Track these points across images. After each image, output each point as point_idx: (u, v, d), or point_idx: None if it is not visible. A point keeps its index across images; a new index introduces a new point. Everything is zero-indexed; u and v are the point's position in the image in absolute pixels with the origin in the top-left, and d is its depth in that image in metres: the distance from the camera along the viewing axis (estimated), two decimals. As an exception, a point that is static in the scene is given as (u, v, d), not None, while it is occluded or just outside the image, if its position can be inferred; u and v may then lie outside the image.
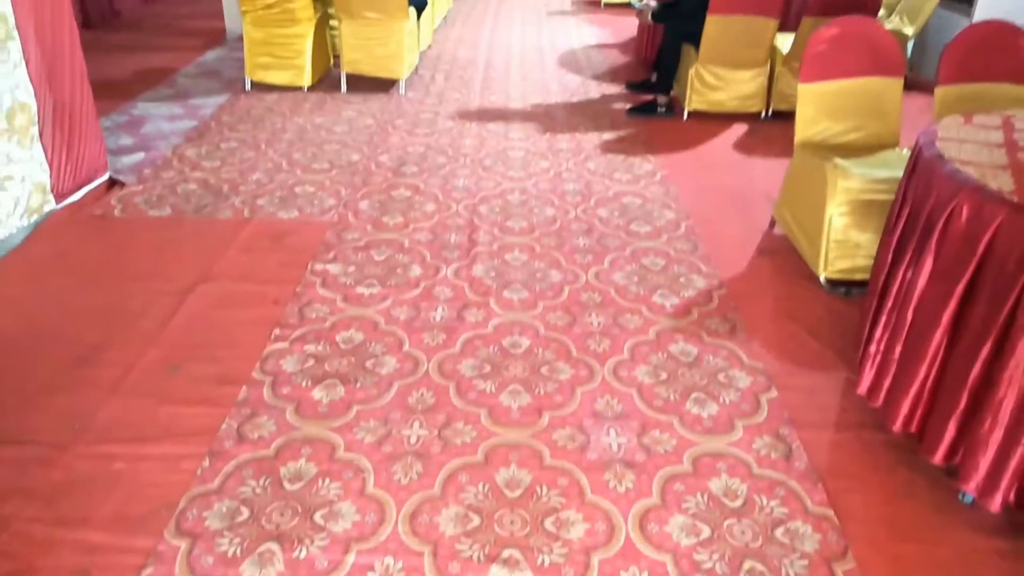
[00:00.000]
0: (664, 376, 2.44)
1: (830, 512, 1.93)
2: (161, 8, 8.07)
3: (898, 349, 2.04)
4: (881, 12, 5.08)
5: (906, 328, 2.02)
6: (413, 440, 2.14)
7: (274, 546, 1.80)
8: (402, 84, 5.38)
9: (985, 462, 1.80)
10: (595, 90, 5.65)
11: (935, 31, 5.66)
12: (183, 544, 1.80)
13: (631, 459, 2.08)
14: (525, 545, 1.82)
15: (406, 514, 1.89)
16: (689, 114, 4.91)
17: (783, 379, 2.44)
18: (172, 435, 2.14)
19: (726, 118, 4.88)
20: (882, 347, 2.12)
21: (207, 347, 2.53)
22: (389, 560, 1.77)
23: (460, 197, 3.73)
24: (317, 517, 1.88)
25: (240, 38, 5.38)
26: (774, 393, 2.37)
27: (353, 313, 2.74)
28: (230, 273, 2.98)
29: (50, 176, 3.33)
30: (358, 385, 2.36)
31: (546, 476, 2.02)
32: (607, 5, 8.97)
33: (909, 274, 2.03)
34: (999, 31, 2.98)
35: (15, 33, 3.07)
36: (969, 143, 2.16)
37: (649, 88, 5.27)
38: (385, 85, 5.40)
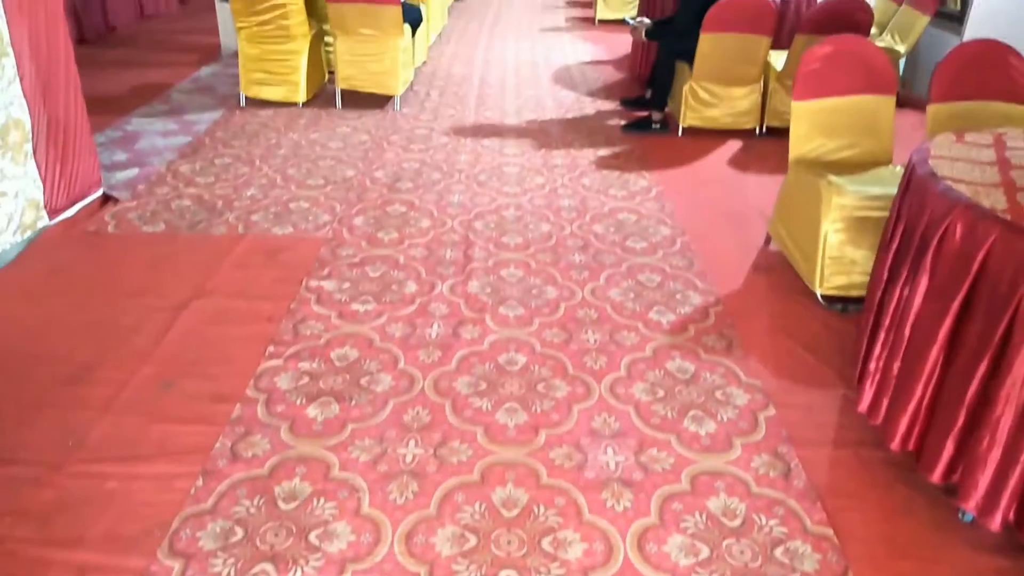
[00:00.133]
0: (661, 393, 2.43)
1: (829, 531, 1.92)
2: (156, 24, 8.09)
3: (896, 367, 2.04)
4: (873, 30, 5.13)
5: (904, 346, 2.02)
6: (409, 459, 2.12)
7: (268, 567, 1.78)
8: (397, 100, 5.39)
9: (984, 480, 1.79)
10: (590, 106, 5.67)
11: (926, 49, 5.71)
12: (176, 565, 1.78)
13: (629, 478, 2.07)
14: (522, 566, 1.80)
15: (402, 534, 1.87)
16: (684, 130, 4.93)
17: (781, 396, 2.43)
18: (165, 453, 2.12)
19: (721, 134, 4.90)
20: (881, 365, 2.12)
21: (201, 364, 2.51)
22: (385, 581, 1.75)
23: (455, 213, 3.73)
24: (312, 537, 1.86)
25: (235, 54, 5.39)
26: (772, 410, 2.36)
27: (348, 330, 2.73)
28: (224, 289, 2.97)
29: (43, 192, 3.32)
30: (353, 403, 2.34)
31: (543, 495, 2.01)
32: (601, 22, 9.02)
33: (906, 292, 2.03)
34: (990, 50, 3.01)
35: (9, 50, 3.06)
36: (961, 161, 2.17)
37: (644, 104, 5.30)
38: (380, 101, 5.41)
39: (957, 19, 5.50)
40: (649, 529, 1.91)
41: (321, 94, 5.56)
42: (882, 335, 2.14)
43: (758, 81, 4.83)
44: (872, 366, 2.15)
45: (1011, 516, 1.79)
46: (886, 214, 2.36)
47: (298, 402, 2.34)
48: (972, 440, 1.81)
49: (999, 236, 1.75)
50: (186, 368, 2.49)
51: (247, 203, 3.75)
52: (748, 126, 4.92)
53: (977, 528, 1.89)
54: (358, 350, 2.61)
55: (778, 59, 4.95)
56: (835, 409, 2.40)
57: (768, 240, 3.44)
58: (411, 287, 3.03)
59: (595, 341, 2.71)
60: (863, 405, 2.18)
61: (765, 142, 4.86)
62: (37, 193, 3.29)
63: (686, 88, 4.80)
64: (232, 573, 1.76)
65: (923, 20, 5.36)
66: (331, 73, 5.60)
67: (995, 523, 1.80)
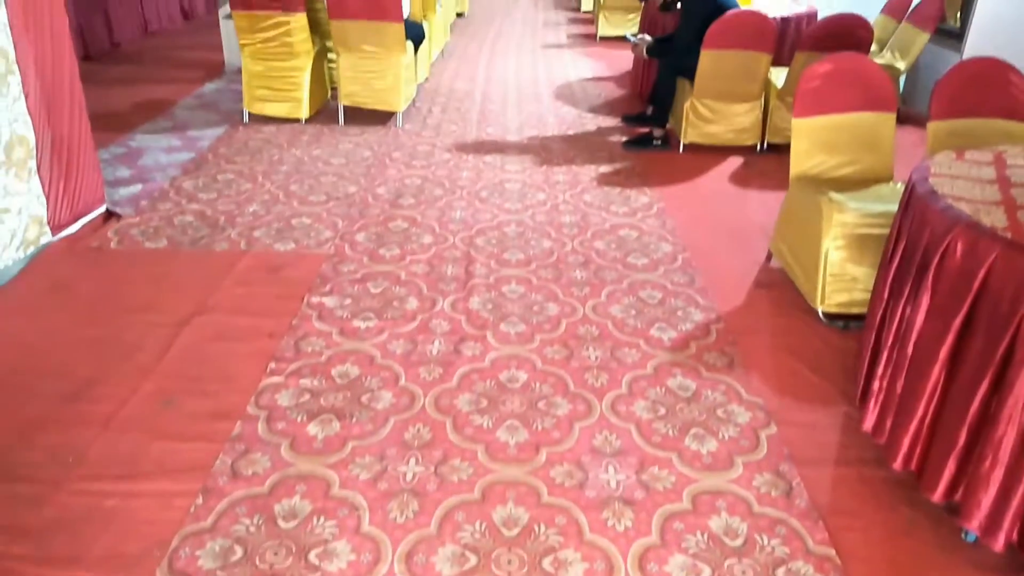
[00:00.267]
0: (663, 411, 2.42)
1: (832, 552, 1.90)
2: (161, 41, 8.15)
3: (900, 385, 2.04)
4: (873, 47, 5.15)
5: (907, 364, 2.01)
6: (409, 477, 2.11)
7: (267, 587, 1.77)
8: (399, 116, 5.42)
9: (987, 500, 1.78)
10: (591, 123, 5.70)
11: (927, 66, 5.74)
12: (175, 585, 1.77)
13: (630, 497, 2.06)
14: (523, 585, 1.79)
15: (402, 553, 1.86)
16: (685, 147, 4.95)
17: (782, 414, 2.43)
18: (165, 471, 2.12)
19: (722, 151, 4.92)
20: (885, 384, 2.11)
21: (202, 381, 2.51)
22: (385, 601, 1.74)
23: (457, 229, 3.74)
24: (312, 556, 1.85)
25: (239, 70, 5.42)
26: (773, 429, 2.35)
27: (349, 347, 2.73)
28: (226, 306, 2.97)
29: (47, 209, 3.34)
30: (354, 420, 2.34)
31: (544, 514, 2.00)
32: (602, 38, 9.07)
33: (908, 310, 2.03)
34: (989, 67, 3.02)
35: (15, 67, 3.09)
36: (962, 179, 2.17)
37: (645, 121, 5.32)
38: (383, 117, 5.44)
39: (957, 36, 5.53)
40: (650, 549, 1.90)
41: (324, 110, 5.59)
42: (885, 353, 2.13)
43: (759, 98, 4.85)
44: (876, 385, 2.15)
45: (1015, 536, 1.78)
46: (887, 231, 2.36)
47: (299, 419, 2.34)
48: (974, 459, 1.81)
49: (1000, 254, 1.75)
50: (187, 385, 2.49)
51: (249, 219, 3.77)
52: (749, 142, 4.94)
53: (980, 548, 1.88)
54: (359, 367, 2.61)
55: (779, 76, 4.97)
56: (837, 427, 2.39)
57: (769, 257, 3.45)
58: (412, 303, 3.03)
59: (596, 358, 2.70)
60: (868, 424, 2.17)
61: (766, 158, 4.88)
62: (40, 209, 3.31)
63: (687, 105, 4.82)
64: (231, 593, 1.75)
65: (923, 37, 5.39)
66: (334, 89, 5.63)
67: (998, 543, 1.79)
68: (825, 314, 2.95)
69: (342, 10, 4.95)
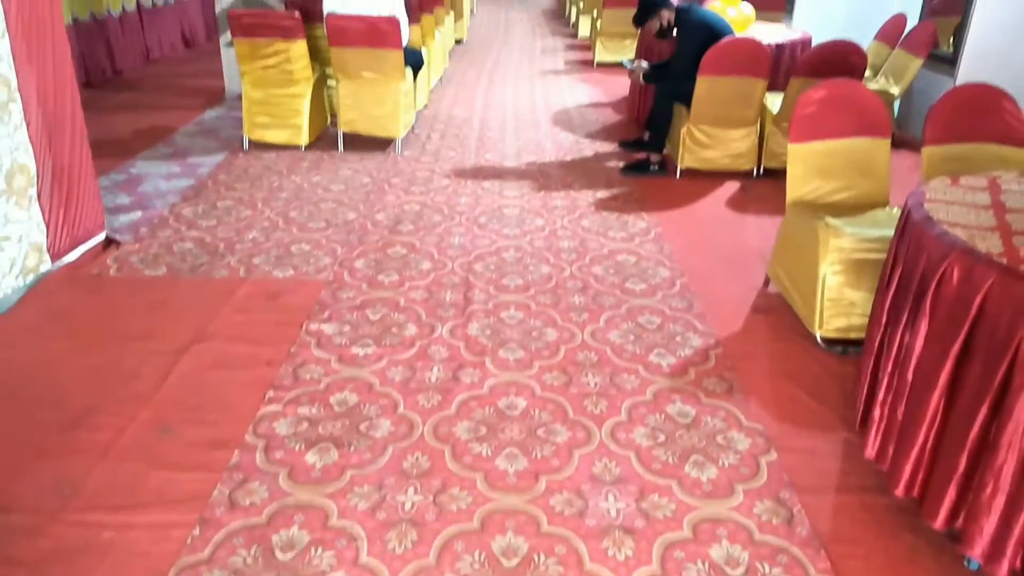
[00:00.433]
0: (662, 438, 2.41)
1: (833, 580, 1.89)
2: (162, 68, 8.22)
3: (901, 411, 2.03)
4: (867, 73, 5.21)
5: (907, 390, 2.01)
6: (408, 506, 2.10)
7: (265, 619, 1.75)
8: (398, 143, 5.46)
9: (989, 527, 1.77)
10: (588, 148, 5.74)
11: (920, 91, 5.79)
12: (171, 618, 1.75)
13: (630, 525, 2.05)
14: (523, 617, 1.77)
15: (401, 584, 1.85)
16: (682, 172, 4.98)
17: (782, 440, 2.42)
18: (163, 502, 2.10)
19: (718, 176, 4.95)
20: (886, 410, 2.11)
21: (200, 410, 2.51)
22: (383, 634, 1.72)
23: (455, 255, 3.75)
24: (309, 588, 1.83)
25: (239, 97, 5.47)
26: (774, 455, 2.35)
27: (347, 374, 2.72)
28: (224, 333, 2.97)
29: (47, 236, 3.35)
30: (352, 449, 2.33)
31: (544, 543, 1.98)
32: (599, 65, 9.17)
33: (907, 336, 2.03)
34: (982, 93, 3.06)
35: (17, 96, 3.12)
36: (957, 205, 2.19)
37: (642, 147, 5.35)
38: (382, 144, 5.48)
39: (950, 62, 5.59)
40: (651, 578, 1.88)
41: (323, 137, 5.63)
42: (885, 379, 2.13)
43: (755, 123, 4.90)
44: (877, 411, 2.14)
45: (1018, 564, 1.77)
46: (884, 256, 2.37)
47: (297, 448, 2.33)
48: (975, 486, 1.80)
49: (996, 280, 1.75)
50: (185, 413, 2.48)
51: (249, 246, 3.78)
52: (745, 167, 4.97)
53: (984, 576, 1.87)
54: (358, 395, 2.60)
55: (774, 101, 5.02)
56: (837, 454, 2.38)
57: (767, 282, 3.45)
58: (411, 330, 3.03)
59: (595, 384, 2.70)
60: (871, 451, 2.16)
61: (763, 183, 4.91)
62: (40, 237, 3.32)
63: (684, 130, 4.86)
64: (228, 626, 1.73)
65: (916, 63, 5.45)
66: (333, 116, 5.67)
67: (1002, 571, 1.77)
68: (823, 339, 2.96)
69: (342, 38, 5.01)
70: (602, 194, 4.70)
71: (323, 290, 3.34)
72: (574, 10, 12.39)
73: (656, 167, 5.07)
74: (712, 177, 4.94)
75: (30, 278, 3.26)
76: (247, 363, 2.77)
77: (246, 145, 5.36)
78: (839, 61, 4.61)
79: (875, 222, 2.99)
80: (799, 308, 3.09)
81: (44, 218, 3.32)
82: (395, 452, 2.32)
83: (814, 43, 5.50)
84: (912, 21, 5.99)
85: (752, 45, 4.64)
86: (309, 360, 2.80)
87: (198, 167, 4.96)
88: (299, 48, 5.06)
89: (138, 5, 8.05)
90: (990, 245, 1.89)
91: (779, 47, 5.56)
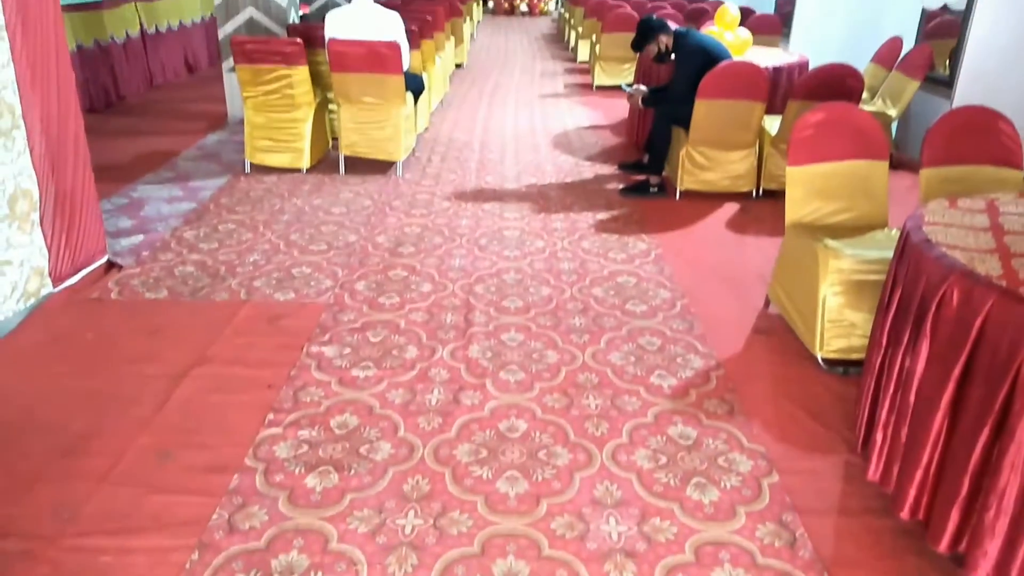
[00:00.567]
0: (664, 460, 2.40)
1: (837, 604, 1.87)
2: (165, 93, 8.29)
3: (904, 433, 2.03)
4: (864, 95, 5.25)
5: (909, 412, 2.01)
6: (408, 530, 2.09)
7: (263, 646, 1.73)
8: (399, 166, 5.49)
9: (993, 550, 1.76)
10: (588, 170, 5.77)
11: (917, 112, 5.84)
12: (169, 645, 1.73)
13: (632, 549, 2.04)
14: (524, 643, 1.75)
15: (401, 610, 1.83)
16: (681, 193, 5.00)
17: (784, 462, 2.41)
18: (161, 526, 2.09)
19: (718, 197, 4.97)
20: (889, 432, 2.10)
21: (199, 433, 2.50)
22: (383, 660, 1.70)
23: (456, 277, 3.76)
24: (309, 614, 1.82)
25: (241, 121, 5.51)
26: (775, 477, 2.33)
27: (348, 397, 2.72)
28: (225, 356, 2.97)
29: (49, 261, 3.36)
30: (352, 472, 2.32)
31: (545, 568, 1.97)
32: (599, 88, 9.24)
33: (908, 358, 2.03)
34: (979, 115, 3.08)
35: (21, 122, 3.14)
36: (955, 227, 2.20)
37: (641, 169, 5.38)
38: (383, 167, 5.51)
39: (946, 84, 5.64)
40: (653, 603, 1.87)
41: (325, 160, 5.66)
42: (887, 401, 2.13)
43: (753, 145, 4.93)
44: (879, 434, 2.13)
45: (1023, 588, 1.75)
46: (883, 277, 2.37)
47: (297, 471, 2.32)
48: (978, 509, 1.79)
49: (996, 303, 1.76)
50: (184, 437, 2.48)
51: (250, 269, 3.79)
52: (744, 189, 4.99)
53: (989, 600, 1.85)
54: (358, 417, 2.60)
55: (772, 124, 5.05)
56: (839, 475, 2.37)
57: (767, 303, 3.46)
58: (412, 352, 3.03)
59: (596, 406, 2.69)
60: (874, 473, 2.15)
61: (762, 204, 4.93)
62: (42, 261, 3.33)
63: (683, 152, 4.89)
64: (226, 652, 1.71)
65: (913, 85, 5.50)
66: (335, 140, 5.71)
67: (1007, 595, 1.76)
68: (824, 360, 2.95)
69: (343, 63, 5.06)
70: (602, 216, 4.72)
71: (324, 312, 3.34)
72: (573, 35, 12.52)
73: (656, 189, 5.10)
74: (711, 199, 4.96)
75: (31, 302, 3.27)
76: (247, 386, 2.77)
77: (248, 169, 5.39)
78: (836, 84, 4.65)
79: (874, 243, 3.00)
80: (800, 329, 3.09)
81: (46, 243, 3.34)
82: (395, 475, 2.31)
83: (811, 66, 5.56)
84: (908, 44, 6.06)
85: (750, 69, 4.68)
86: (309, 383, 2.80)
87: (200, 190, 4.99)
88: (301, 74, 5.11)
89: (142, 31, 8.14)
90: (989, 267, 1.90)
91: (776, 70, 5.61)
